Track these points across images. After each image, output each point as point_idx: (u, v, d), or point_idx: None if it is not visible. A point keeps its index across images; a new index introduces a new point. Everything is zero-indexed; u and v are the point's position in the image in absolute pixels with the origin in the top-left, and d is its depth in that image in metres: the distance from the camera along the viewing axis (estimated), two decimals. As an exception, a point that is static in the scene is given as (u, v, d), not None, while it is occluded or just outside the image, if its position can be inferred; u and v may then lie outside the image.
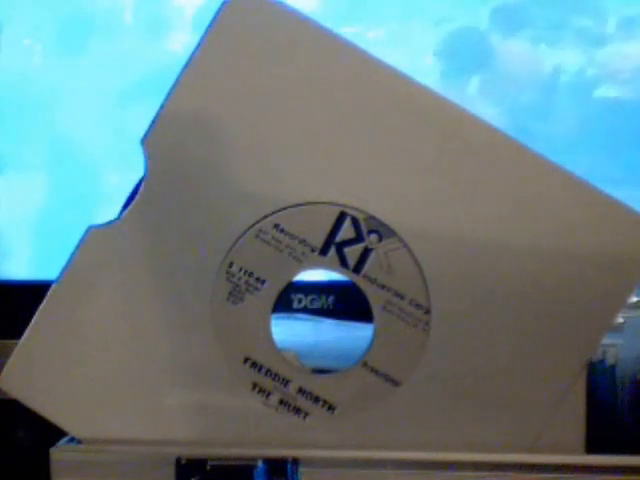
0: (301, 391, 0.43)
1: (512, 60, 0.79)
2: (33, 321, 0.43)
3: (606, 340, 0.44)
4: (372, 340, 0.43)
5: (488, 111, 0.76)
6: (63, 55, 0.81)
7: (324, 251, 0.42)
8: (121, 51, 0.80)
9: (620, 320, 0.46)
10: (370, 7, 0.80)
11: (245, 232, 0.42)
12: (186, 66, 0.41)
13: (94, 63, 0.80)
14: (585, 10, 0.79)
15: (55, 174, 0.82)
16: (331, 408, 0.43)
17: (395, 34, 0.79)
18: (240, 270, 0.42)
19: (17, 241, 0.81)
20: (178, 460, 0.41)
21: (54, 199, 0.81)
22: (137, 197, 0.42)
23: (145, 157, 0.42)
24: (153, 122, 0.42)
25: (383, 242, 0.42)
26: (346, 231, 0.42)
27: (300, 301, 0.70)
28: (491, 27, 0.79)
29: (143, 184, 0.42)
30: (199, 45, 0.41)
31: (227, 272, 0.42)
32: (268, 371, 0.43)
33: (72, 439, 0.43)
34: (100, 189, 0.80)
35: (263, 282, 0.42)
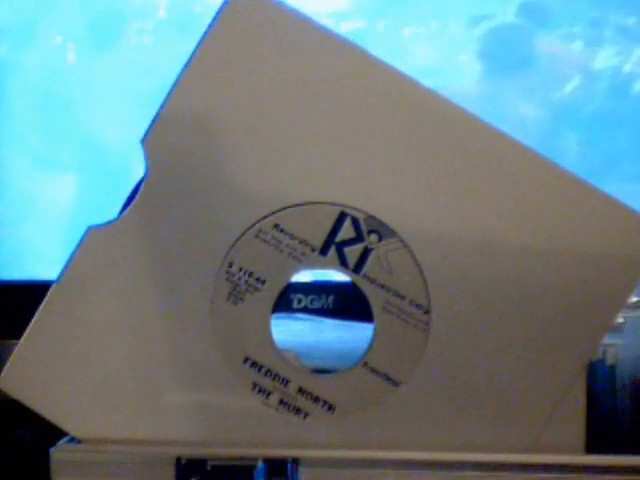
0: (301, 391, 0.43)
1: (551, 58, 0.78)
2: (33, 321, 0.43)
3: (606, 340, 0.44)
4: (372, 340, 0.43)
5: (526, 109, 0.75)
6: (95, 53, 0.81)
7: (324, 251, 0.42)
8: (154, 49, 0.80)
9: (620, 320, 0.46)
10: (407, 3, 0.78)
11: (245, 232, 0.42)
12: (186, 66, 0.41)
13: (127, 61, 0.79)
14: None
15: (85, 176, 0.82)
16: (331, 408, 0.43)
17: (433, 31, 0.78)
18: (240, 270, 0.42)
19: (48, 243, 0.81)
20: (178, 460, 0.41)
21: (84, 201, 0.81)
22: (137, 197, 0.42)
23: (145, 157, 0.42)
24: (153, 122, 0.42)
25: (383, 242, 0.42)
26: (346, 231, 0.42)
27: (300, 301, 0.70)
28: (528, 24, 0.77)
29: (143, 184, 0.42)
30: (199, 45, 0.41)
31: (227, 272, 0.42)
32: (268, 371, 0.43)
33: (72, 439, 0.43)
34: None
35: (263, 282, 0.42)
